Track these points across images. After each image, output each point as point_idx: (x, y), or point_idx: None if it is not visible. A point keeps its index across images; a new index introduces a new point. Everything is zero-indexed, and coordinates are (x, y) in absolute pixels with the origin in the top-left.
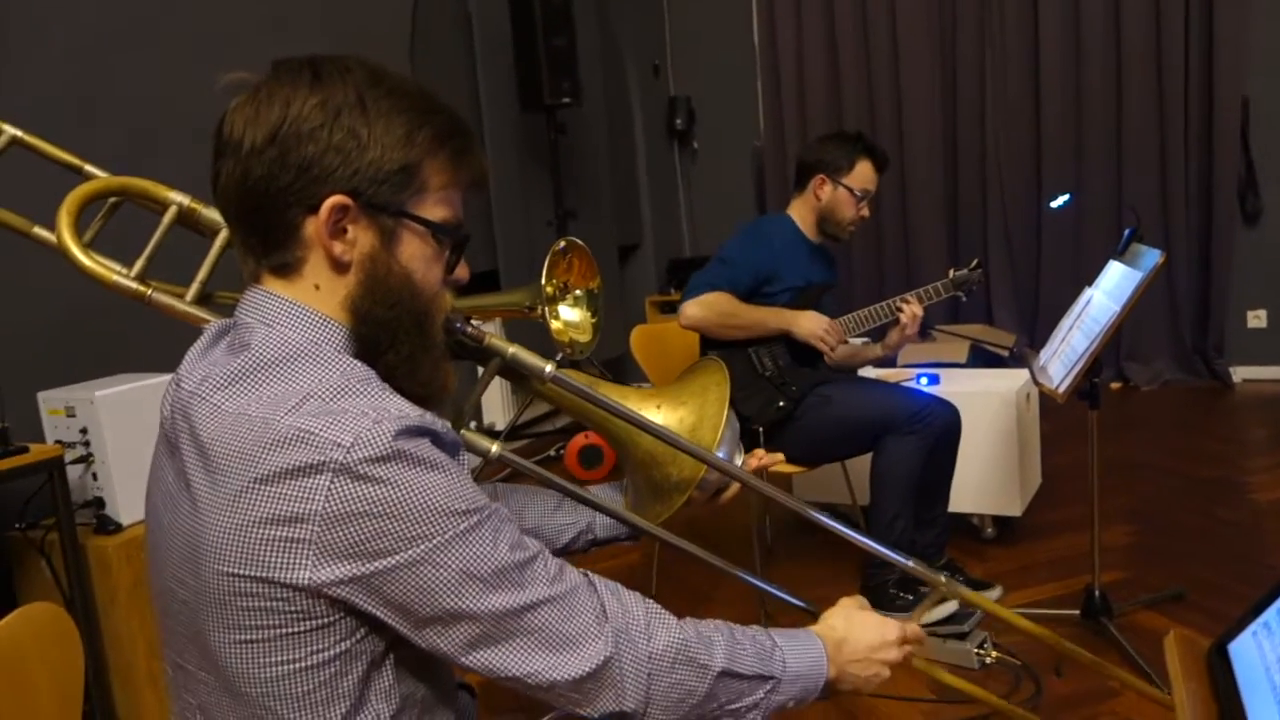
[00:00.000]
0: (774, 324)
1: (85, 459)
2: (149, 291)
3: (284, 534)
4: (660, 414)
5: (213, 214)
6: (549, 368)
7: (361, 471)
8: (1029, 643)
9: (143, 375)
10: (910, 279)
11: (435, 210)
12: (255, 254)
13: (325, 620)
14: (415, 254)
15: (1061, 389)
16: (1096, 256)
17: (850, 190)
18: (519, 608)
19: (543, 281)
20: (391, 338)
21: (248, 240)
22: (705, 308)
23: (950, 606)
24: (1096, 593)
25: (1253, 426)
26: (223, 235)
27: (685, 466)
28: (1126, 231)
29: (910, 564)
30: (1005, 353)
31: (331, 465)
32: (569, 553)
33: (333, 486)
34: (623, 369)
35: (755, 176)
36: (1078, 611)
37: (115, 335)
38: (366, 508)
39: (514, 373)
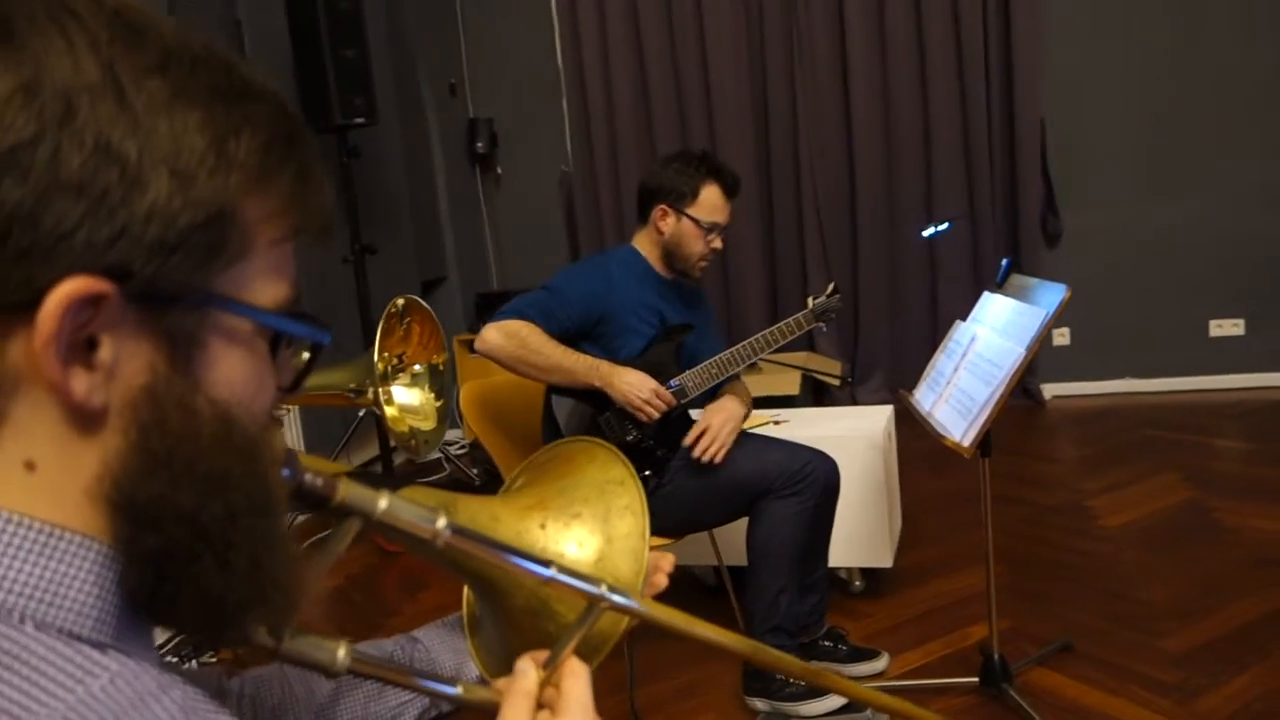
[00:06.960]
0: (583, 375)
1: None
2: None
3: None
4: (546, 533)
5: None
6: (441, 523)
7: None
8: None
9: None
10: (730, 320)
11: (267, 286)
12: None
13: None
14: (236, 372)
15: (966, 442)
16: (910, 279)
17: (696, 221)
18: None
19: (375, 355)
20: (217, 550)
21: None
22: (506, 336)
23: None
24: (996, 657)
25: (1070, 445)
26: None
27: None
28: (1004, 262)
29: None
30: (836, 382)
31: None
32: None
33: None
34: None
35: (564, 204)
36: (975, 679)
37: None
38: None
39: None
